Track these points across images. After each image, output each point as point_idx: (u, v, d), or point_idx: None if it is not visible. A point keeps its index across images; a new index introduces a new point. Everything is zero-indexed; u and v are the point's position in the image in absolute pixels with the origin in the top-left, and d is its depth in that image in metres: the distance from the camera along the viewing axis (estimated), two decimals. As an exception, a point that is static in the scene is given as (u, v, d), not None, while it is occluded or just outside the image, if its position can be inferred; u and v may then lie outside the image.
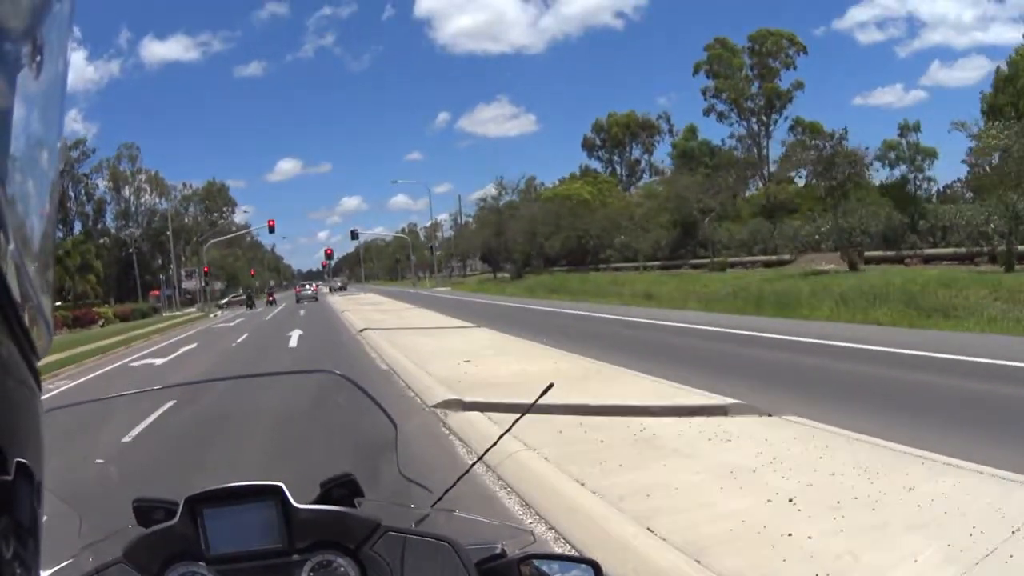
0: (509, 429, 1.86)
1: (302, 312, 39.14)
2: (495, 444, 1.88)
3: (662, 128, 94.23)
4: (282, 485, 1.41)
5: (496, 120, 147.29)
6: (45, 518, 0.60)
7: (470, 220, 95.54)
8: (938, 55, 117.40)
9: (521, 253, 77.09)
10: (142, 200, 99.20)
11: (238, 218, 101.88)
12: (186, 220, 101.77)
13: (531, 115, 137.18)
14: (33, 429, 0.59)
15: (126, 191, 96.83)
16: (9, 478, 0.55)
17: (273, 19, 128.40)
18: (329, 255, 66.36)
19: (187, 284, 74.81)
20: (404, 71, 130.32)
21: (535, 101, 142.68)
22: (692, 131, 70.83)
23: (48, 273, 0.62)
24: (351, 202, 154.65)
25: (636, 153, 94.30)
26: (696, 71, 74.54)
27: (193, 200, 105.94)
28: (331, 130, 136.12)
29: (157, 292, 69.19)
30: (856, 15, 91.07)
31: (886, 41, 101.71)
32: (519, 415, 1.84)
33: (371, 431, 1.77)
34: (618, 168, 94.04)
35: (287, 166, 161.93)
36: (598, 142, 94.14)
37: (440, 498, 1.68)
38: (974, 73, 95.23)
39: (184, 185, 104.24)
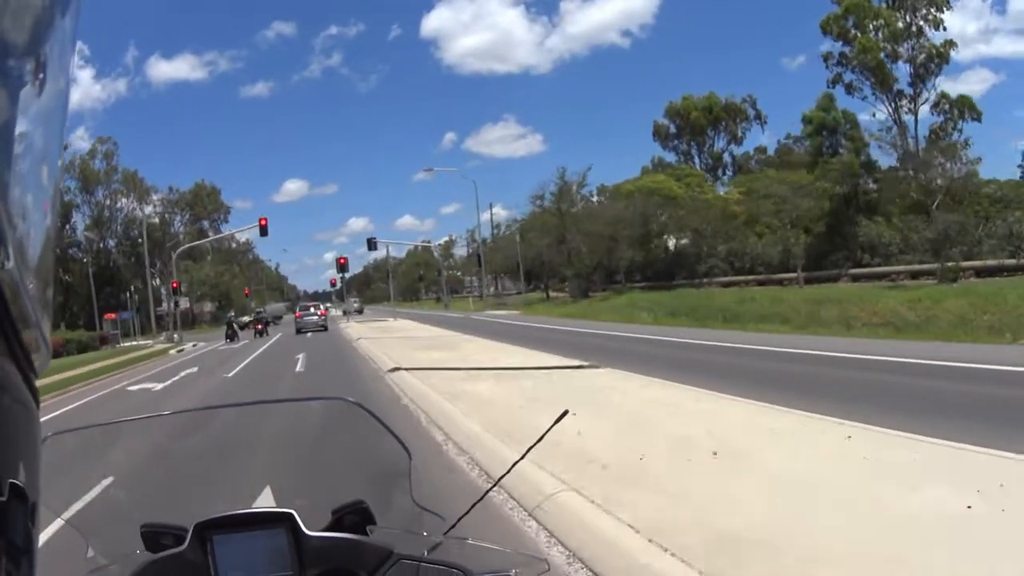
0: (523, 456, 1.79)
1: (300, 361, 20.71)
2: (508, 472, 1.83)
3: (748, 113, 77.81)
4: (293, 512, 1.36)
5: (503, 140, 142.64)
6: (47, 540, 0.61)
7: (504, 229, 79.80)
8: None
9: (586, 266, 58.53)
10: (119, 205, 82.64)
11: (238, 231, 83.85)
12: (173, 228, 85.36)
13: (538, 135, 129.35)
14: (30, 449, 0.58)
15: (100, 193, 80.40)
16: (3, 498, 0.53)
17: (280, 39, 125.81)
18: (343, 264, 48.12)
19: (168, 305, 56.84)
20: (411, 91, 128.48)
21: (542, 121, 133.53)
22: (830, 99, 52.71)
23: (48, 290, 0.61)
24: (358, 223, 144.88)
25: (719, 144, 76.78)
26: (825, 29, 56.41)
27: (180, 206, 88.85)
28: (338, 150, 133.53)
29: (113, 315, 51.06)
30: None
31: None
32: (535, 441, 1.73)
33: (384, 459, 1.68)
34: (697, 160, 76.11)
35: (293, 187, 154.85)
36: (673, 129, 76.21)
37: (453, 526, 1.61)
38: (978, 86, 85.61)
39: (170, 189, 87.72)
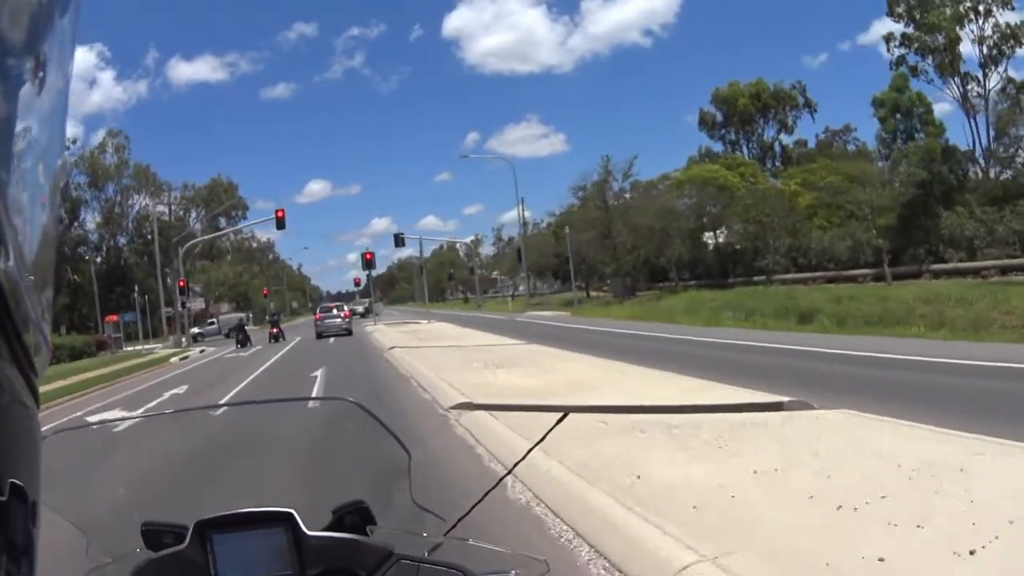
0: (523, 458, 1.75)
1: (318, 380, 16.35)
2: (508, 473, 1.84)
3: (798, 100, 72.61)
4: (293, 511, 1.35)
5: (526, 140, 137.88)
6: (47, 539, 0.60)
7: (532, 228, 75.89)
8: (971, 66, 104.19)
9: (630, 263, 53.38)
10: (130, 202, 78.74)
11: (254, 224, 79.85)
12: (189, 225, 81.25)
13: (561, 135, 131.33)
14: (30, 448, 0.58)
15: (110, 189, 76.55)
16: (3, 497, 0.53)
17: (301, 40, 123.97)
18: (369, 260, 43.66)
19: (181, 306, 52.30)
20: (433, 92, 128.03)
21: (565, 120, 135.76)
22: (904, 78, 47.31)
23: (47, 290, 0.61)
24: (381, 223, 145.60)
25: (769, 133, 71.76)
26: (891, 9, 51.07)
27: (195, 203, 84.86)
28: (360, 151, 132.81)
29: (114, 318, 46.69)
30: (880, 29, 77.26)
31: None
32: (534, 444, 1.70)
33: (384, 459, 1.65)
34: (745, 150, 71.08)
35: (316, 187, 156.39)
36: (720, 118, 71.24)
37: (453, 526, 1.61)
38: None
39: (185, 185, 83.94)
